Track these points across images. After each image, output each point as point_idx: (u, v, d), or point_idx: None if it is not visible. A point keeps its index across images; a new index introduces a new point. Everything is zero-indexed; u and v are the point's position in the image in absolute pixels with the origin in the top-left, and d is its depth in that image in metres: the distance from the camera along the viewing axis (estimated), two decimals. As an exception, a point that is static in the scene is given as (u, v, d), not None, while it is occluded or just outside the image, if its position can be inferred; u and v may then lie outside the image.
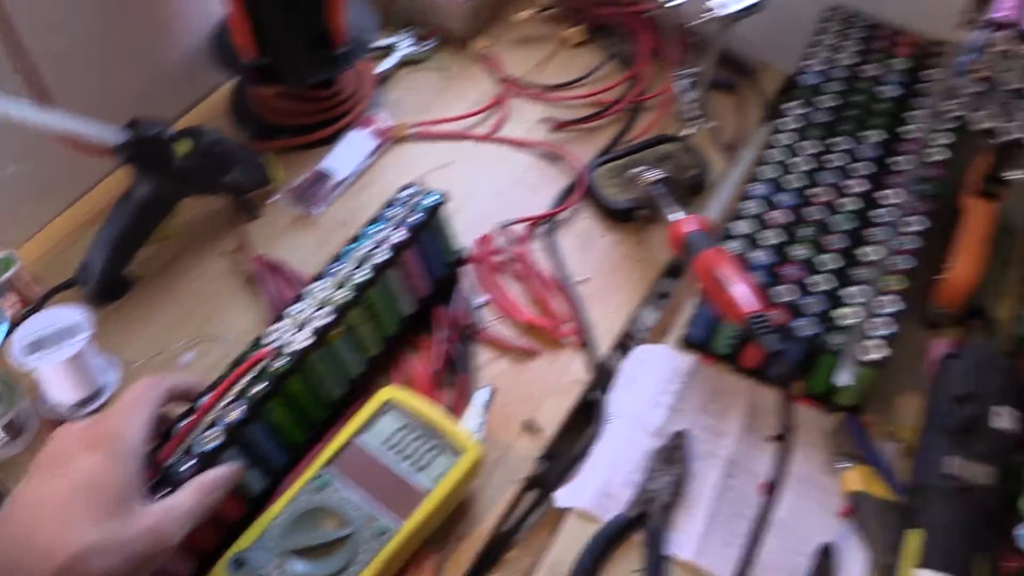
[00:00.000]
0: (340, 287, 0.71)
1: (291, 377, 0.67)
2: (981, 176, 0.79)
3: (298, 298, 0.71)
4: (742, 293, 0.62)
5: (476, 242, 0.86)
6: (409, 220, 0.75)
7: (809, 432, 0.74)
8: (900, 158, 0.80)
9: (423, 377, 0.76)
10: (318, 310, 0.70)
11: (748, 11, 0.71)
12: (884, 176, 0.79)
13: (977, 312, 0.79)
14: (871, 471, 0.70)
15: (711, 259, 0.66)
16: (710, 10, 0.70)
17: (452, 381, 0.77)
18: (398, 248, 0.73)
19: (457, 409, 0.75)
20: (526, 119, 0.97)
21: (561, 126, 0.95)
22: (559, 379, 0.78)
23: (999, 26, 0.65)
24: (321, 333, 0.68)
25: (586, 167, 0.90)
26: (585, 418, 0.76)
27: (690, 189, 0.89)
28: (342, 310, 0.69)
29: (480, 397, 0.75)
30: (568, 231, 0.88)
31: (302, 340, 0.68)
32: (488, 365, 0.79)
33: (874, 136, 0.82)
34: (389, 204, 0.77)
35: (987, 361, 0.69)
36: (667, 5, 0.75)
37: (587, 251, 0.86)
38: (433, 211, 0.76)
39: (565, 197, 0.90)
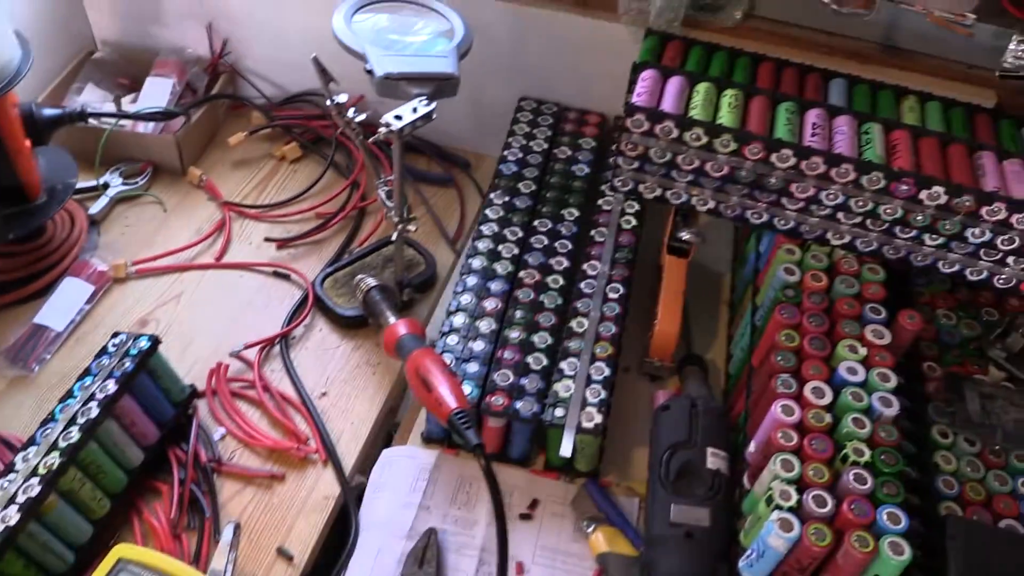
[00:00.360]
0: (49, 452, 0.67)
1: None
2: (668, 236, 0.87)
3: (9, 468, 0.67)
4: (443, 393, 0.65)
5: (209, 374, 0.84)
6: (118, 370, 0.72)
7: (555, 503, 0.77)
8: (595, 231, 0.87)
9: (162, 526, 0.73)
10: (26, 481, 0.65)
11: (423, 120, 0.75)
12: (586, 249, 0.86)
13: (692, 359, 0.87)
14: (615, 531, 0.74)
15: (417, 361, 0.68)
16: (387, 126, 0.74)
17: (197, 523, 0.75)
18: (106, 403, 0.70)
19: (204, 552, 0.72)
20: (252, 241, 0.97)
21: (284, 243, 0.96)
22: (308, 499, 0.77)
23: (638, 109, 0.72)
24: (27, 509, 0.64)
25: (312, 281, 0.91)
26: (342, 533, 0.76)
27: (419, 287, 0.91)
28: (51, 479, 0.65)
29: (225, 536, 0.73)
30: (304, 347, 0.88)
31: (10, 518, 0.63)
32: (235, 498, 0.77)
33: (573, 213, 0.88)
34: (99, 354, 0.75)
35: (696, 408, 0.75)
36: (355, 121, 0.78)
37: (324, 363, 0.87)
38: (144, 356, 0.74)
39: (295, 314, 0.90)
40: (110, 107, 0.93)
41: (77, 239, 0.94)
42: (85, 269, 0.91)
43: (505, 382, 0.75)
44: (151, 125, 1.01)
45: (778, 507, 0.61)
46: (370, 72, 0.78)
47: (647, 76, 0.77)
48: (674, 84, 0.77)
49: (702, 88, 0.77)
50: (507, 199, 0.89)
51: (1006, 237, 0.71)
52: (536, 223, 0.87)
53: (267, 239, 0.97)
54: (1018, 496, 0.71)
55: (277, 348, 0.87)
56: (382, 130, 0.74)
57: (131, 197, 1.00)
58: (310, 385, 0.85)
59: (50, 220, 0.94)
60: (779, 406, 0.66)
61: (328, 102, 0.79)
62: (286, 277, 0.94)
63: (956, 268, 0.75)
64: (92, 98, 1.04)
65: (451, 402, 0.64)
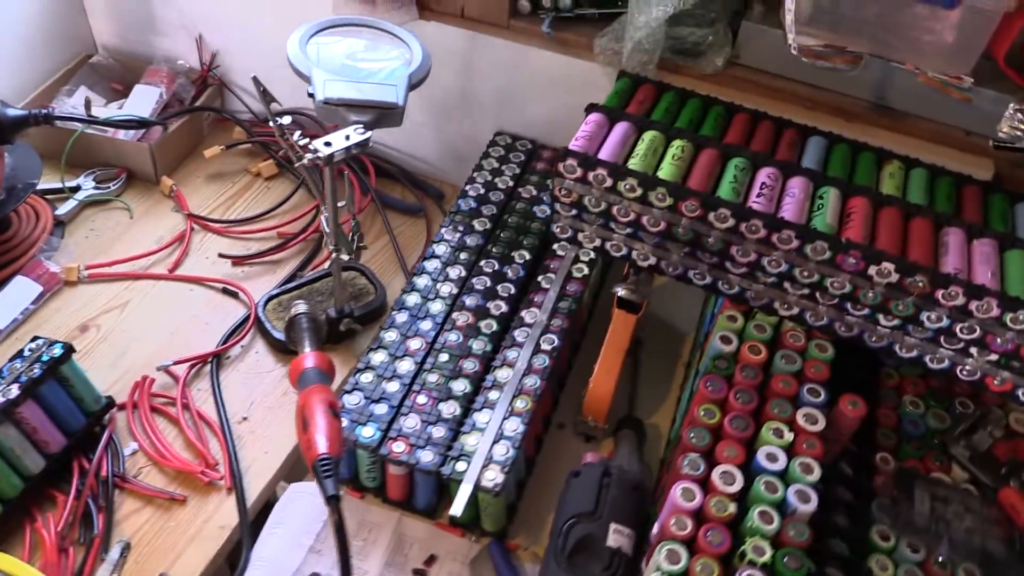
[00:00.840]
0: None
1: None
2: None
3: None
4: (315, 435, 0.61)
5: (133, 386, 0.82)
6: (25, 376, 0.71)
7: (455, 561, 0.73)
8: (543, 277, 0.83)
9: (50, 538, 0.71)
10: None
11: (357, 148, 0.73)
12: (530, 295, 0.81)
13: (629, 422, 0.81)
14: (508, 599, 0.69)
15: (306, 397, 0.65)
16: (313, 152, 0.72)
17: (88, 538, 0.73)
18: (4, 407, 0.69)
19: (87, 569, 0.70)
20: (209, 255, 0.96)
21: (240, 261, 0.95)
22: (205, 527, 0.74)
23: (571, 154, 0.68)
24: None
25: (257, 302, 0.89)
26: (234, 565, 0.73)
27: (363, 318, 0.88)
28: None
29: (112, 555, 0.71)
30: (237, 368, 0.86)
31: None
32: (132, 517, 0.75)
33: (524, 256, 0.84)
34: (14, 357, 0.74)
35: (609, 477, 0.69)
36: (298, 144, 0.75)
37: (253, 387, 0.84)
38: (55, 364, 0.72)
39: (234, 333, 0.88)
40: (83, 112, 0.94)
41: (37, 239, 0.94)
42: (37, 269, 0.91)
43: (411, 428, 0.71)
44: (131, 132, 1.02)
45: (653, 603, 0.55)
46: (312, 96, 0.76)
47: (592, 120, 0.73)
48: (619, 130, 0.72)
49: (648, 136, 0.72)
50: (459, 236, 0.86)
51: (965, 325, 0.64)
52: (483, 263, 0.83)
53: (221, 255, 0.95)
54: (959, 618, 0.63)
55: (208, 366, 0.85)
56: (308, 156, 0.72)
57: (101, 201, 1.00)
58: (233, 408, 0.82)
59: (15, 217, 0.94)
60: (679, 489, 0.60)
61: (271, 123, 0.77)
62: (235, 295, 0.92)
63: (915, 353, 0.68)
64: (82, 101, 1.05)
65: (320, 446, 0.60)
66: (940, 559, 0.65)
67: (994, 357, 0.65)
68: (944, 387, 0.76)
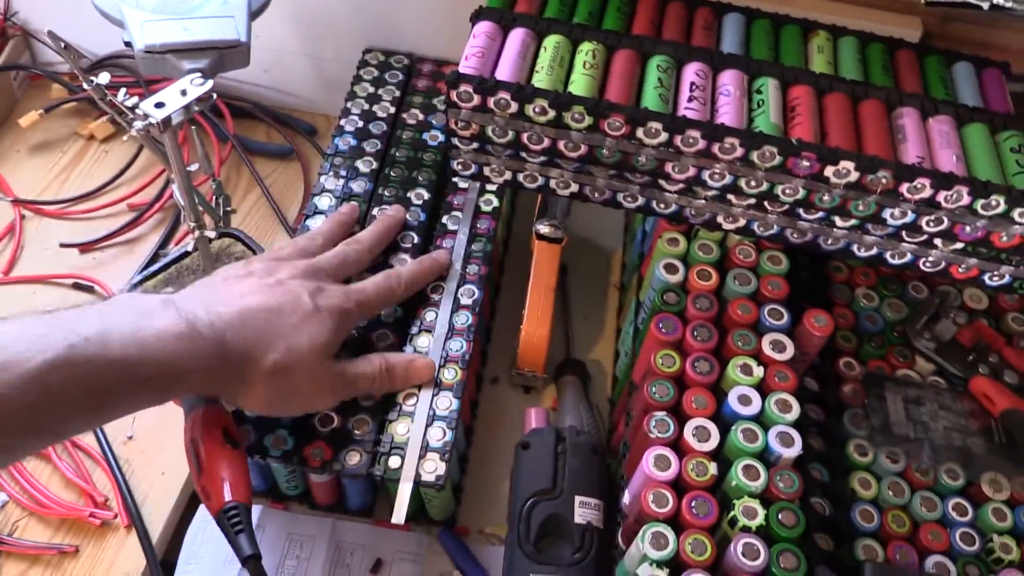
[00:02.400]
0: None
1: None
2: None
3: None
4: (214, 480, 0.51)
5: (-13, 424, 0.69)
6: None
7: (406, 560, 0.64)
8: (448, 218, 0.72)
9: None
10: None
11: (199, 103, 0.59)
12: (437, 241, 0.71)
13: (570, 365, 0.73)
14: (471, 591, 0.62)
15: (194, 427, 0.54)
16: (144, 117, 0.58)
17: (-33, 620, 0.61)
18: None
19: (-26, 658, 0.59)
20: (50, 246, 0.80)
21: (88, 247, 0.80)
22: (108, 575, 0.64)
23: (464, 79, 0.56)
24: None
25: (120, 291, 0.75)
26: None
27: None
28: None
29: (1, 635, 0.59)
30: (109, 378, 0.73)
31: None
32: (17, 582, 0.63)
33: (423, 196, 0.73)
34: None
35: (563, 443, 0.61)
36: (126, 105, 0.61)
37: (132, 399, 0.72)
38: None
39: (96, 338, 0.74)
40: None
41: None
42: None
43: (327, 427, 0.60)
44: (-82, 107, 0.83)
45: (645, 599, 0.48)
46: (129, 44, 0.61)
47: (482, 30, 0.61)
48: (515, 39, 0.60)
49: (550, 43, 0.60)
50: (343, 183, 0.73)
51: (932, 217, 0.57)
52: (376, 212, 0.71)
53: (63, 245, 0.80)
54: (948, 523, 0.59)
55: (74, 383, 0.72)
56: (137, 123, 0.57)
57: (-99, 200, 0.83)
58: (113, 429, 0.70)
59: None
60: (651, 457, 0.53)
61: (86, 85, 0.62)
62: (89, 290, 0.78)
63: (874, 252, 0.62)
64: None
65: (222, 494, 0.50)
66: (922, 465, 0.60)
67: (960, 246, 0.59)
68: (895, 273, 0.70)
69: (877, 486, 0.60)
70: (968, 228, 0.57)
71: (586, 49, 0.60)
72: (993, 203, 0.55)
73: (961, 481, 0.60)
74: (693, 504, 0.51)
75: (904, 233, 0.59)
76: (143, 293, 0.69)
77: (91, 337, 0.46)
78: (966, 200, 0.55)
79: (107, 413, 0.49)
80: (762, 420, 0.55)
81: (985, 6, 0.67)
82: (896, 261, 0.62)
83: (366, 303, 0.61)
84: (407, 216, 0.70)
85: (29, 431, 0.46)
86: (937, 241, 0.59)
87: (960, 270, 0.61)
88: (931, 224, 0.58)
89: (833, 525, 0.58)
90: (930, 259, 0.61)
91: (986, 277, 0.62)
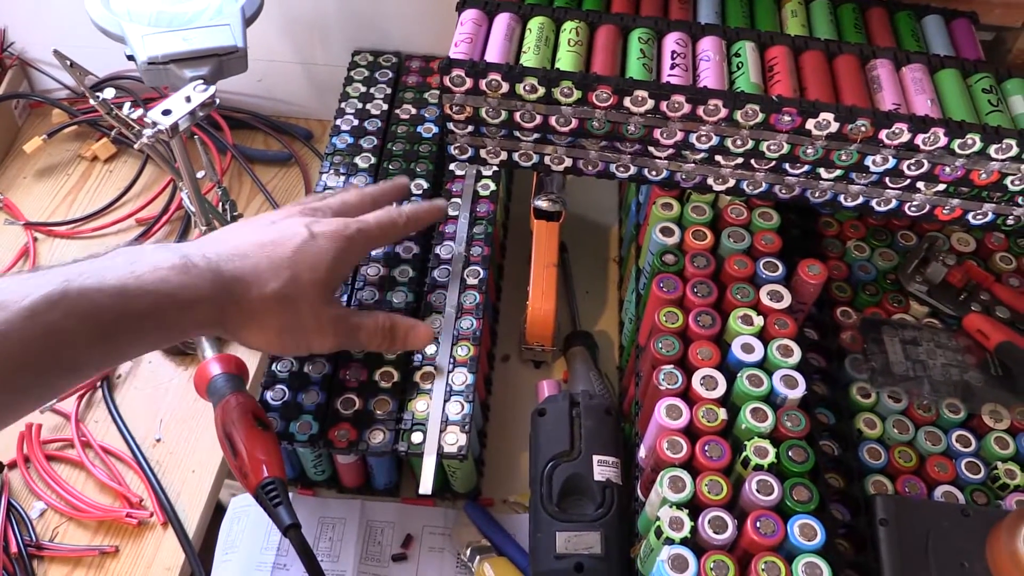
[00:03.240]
0: None
1: None
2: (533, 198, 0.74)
3: None
4: (247, 458, 0.53)
5: (20, 438, 0.71)
6: None
7: (435, 535, 0.67)
8: (448, 204, 0.74)
9: (-29, 638, 0.62)
10: None
11: (202, 109, 0.61)
12: (440, 227, 0.73)
13: (578, 337, 0.75)
14: (502, 561, 0.64)
15: (224, 414, 0.56)
16: (152, 125, 0.60)
17: (17, 624, 0.63)
18: None
19: (27, 659, 0.61)
20: (64, 264, 0.83)
21: (101, 262, 0.82)
22: (148, 573, 0.66)
23: (456, 64, 0.59)
24: None
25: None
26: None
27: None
28: None
29: (51, 635, 0.61)
30: (132, 385, 0.75)
31: None
32: (61, 585, 0.65)
33: (422, 186, 0.75)
34: None
35: (577, 407, 0.64)
36: (131, 119, 0.63)
37: (157, 403, 0.74)
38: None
39: (117, 348, 0.76)
40: None
41: None
42: None
43: (349, 409, 0.63)
44: (-74, 142, 0.85)
45: (669, 540, 0.50)
46: (132, 59, 0.63)
47: (468, 17, 0.63)
48: (501, 24, 0.63)
49: (535, 24, 0.63)
50: (343, 179, 0.76)
51: (912, 161, 0.60)
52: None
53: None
54: (953, 454, 0.61)
55: (100, 392, 0.74)
56: (147, 131, 0.60)
57: (-84, 231, 0.85)
58: (142, 432, 0.72)
59: None
60: (663, 408, 0.55)
61: (92, 101, 0.64)
62: (106, 303, 0.80)
63: (860, 200, 0.64)
64: None
65: (259, 471, 0.52)
66: (924, 402, 0.63)
67: (942, 187, 0.62)
68: (883, 224, 0.73)
69: (882, 425, 0.63)
70: (948, 169, 0.60)
71: (569, 27, 0.63)
72: (969, 142, 0.58)
73: (962, 414, 0.63)
74: (706, 448, 0.54)
75: (888, 180, 0.62)
76: None
77: (86, 273, 0.47)
78: (943, 141, 0.58)
79: (117, 348, 0.49)
80: (765, 366, 0.58)
81: (947, -41, 0.70)
82: (882, 208, 0.64)
83: (367, 231, 0.60)
84: (411, 186, 0.72)
85: (39, 368, 0.45)
86: (920, 185, 0.62)
87: (944, 211, 0.64)
88: (912, 168, 0.60)
89: (843, 464, 0.60)
90: (915, 203, 0.63)
91: (970, 216, 0.64)
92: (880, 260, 0.70)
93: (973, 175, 0.60)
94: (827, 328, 0.67)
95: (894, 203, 0.64)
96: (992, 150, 0.58)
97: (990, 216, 0.64)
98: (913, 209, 0.64)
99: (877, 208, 0.64)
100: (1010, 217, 0.64)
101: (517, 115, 0.61)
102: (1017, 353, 0.64)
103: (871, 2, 0.71)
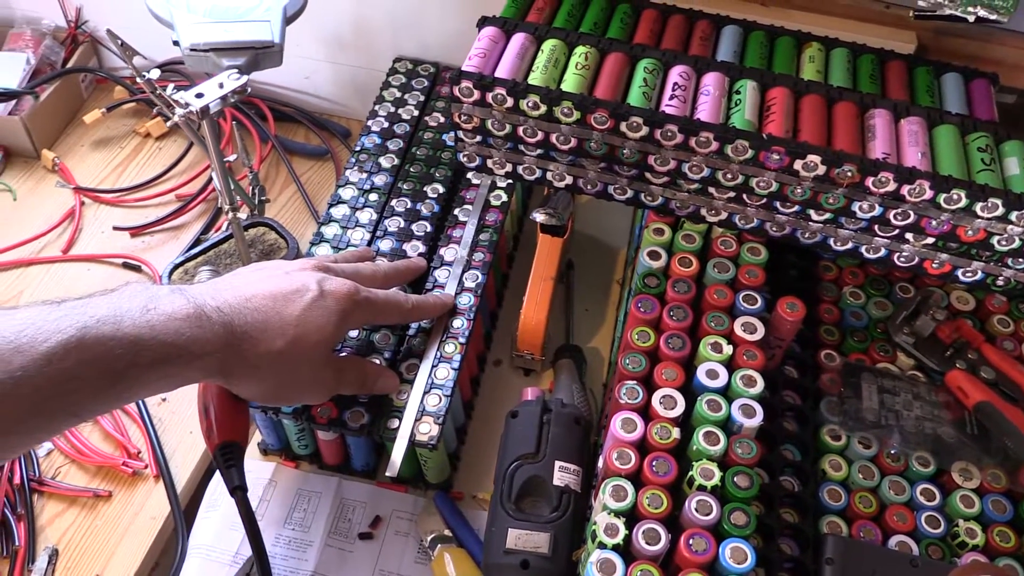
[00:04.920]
0: None
1: None
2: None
3: None
4: (214, 421, 0.57)
5: (39, 382, 0.77)
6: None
7: (402, 520, 0.70)
8: (460, 210, 0.77)
9: (-33, 557, 0.67)
10: None
11: (234, 95, 0.66)
12: (448, 231, 0.76)
13: (567, 350, 0.78)
14: (461, 553, 0.66)
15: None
16: (184, 105, 0.65)
17: (11, 550, 0.68)
18: None
19: (15, 582, 0.66)
20: (105, 229, 0.89)
21: (138, 231, 0.88)
22: (135, 520, 0.70)
23: (465, 76, 0.62)
24: None
25: (161, 273, 0.83)
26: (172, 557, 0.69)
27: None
28: None
29: (39, 563, 0.66)
30: (149, 347, 0.80)
31: None
32: (55, 521, 0.70)
33: (438, 190, 0.79)
34: None
35: (548, 413, 0.66)
36: (172, 98, 0.68)
37: (168, 366, 0.79)
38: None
39: (139, 310, 0.82)
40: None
41: (-88, 235, 0.86)
42: (-85, 268, 0.83)
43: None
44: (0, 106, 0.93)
45: (601, 544, 0.52)
46: (177, 44, 0.69)
47: (486, 34, 0.67)
48: (516, 43, 0.66)
49: (547, 46, 0.66)
50: (366, 176, 0.80)
51: (898, 211, 0.61)
52: (395, 203, 0.78)
53: (116, 228, 0.88)
54: (915, 506, 0.62)
55: (118, 350, 0.79)
56: (179, 111, 0.65)
57: (-21, 185, 0.93)
58: (149, 391, 0.77)
59: None
60: (619, 420, 0.57)
61: (138, 79, 0.70)
62: (137, 269, 0.86)
63: (849, 246, 0.65)
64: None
65: (220, 433, 0.56)
66: (892, 451, 0.63)
67: (930, 240, 0.62)
68: (883, 274, 0.73)
69: (848, 468, 0.63)
70: (934, 222, 0.61)
71: (580, 52, 0.66)
72: (955, 197, 0.59)
73: (931, 468, 0.63)
74: (654, 463, 0.55)
75: (876, 227, 0.63)
76: (154, 284, 0.74)
77: (103, 319, 0.47)
78: (928, 194, 0.59)
79: (120, 395, 0.49)
80: (728, 393, 0.59)
81: (971, 19, 0.71)
82: (872, 256, 0.65)
83: (374, 302, 0.61)
84: (422, 260, 0.74)
85: (47, 412, 0.46)
86: (908, 236, 0.63)
87: (934, 265, 0.65)
88: (899, 217, 0.61)
89: (801, 501, 0.61)
90: (904, 254, 0.64)
91: (959, 273, 0.65)
92: (874, 309, 0.71)
93: (959, 231, 0.61)
94: (808, 368, 0.68)
95: (883, 251, 0.65)
96: (978, 207, 0.59)
97: (980, 275, 0.64)
98: (903, 260, 0.65)
99: (867, 255, 0.65)
100: (1000, 278, 0.64)
101: (520, 130, 0.64)
102: (995, 415, 0.64)
103: (892, 55, 0.72)
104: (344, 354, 0.67)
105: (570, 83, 0.63)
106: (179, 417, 0.76)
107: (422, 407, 0.65)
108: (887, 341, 0.70)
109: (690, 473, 0.55)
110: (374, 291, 0.62)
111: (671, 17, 0.74)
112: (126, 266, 0.86)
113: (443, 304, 0.69)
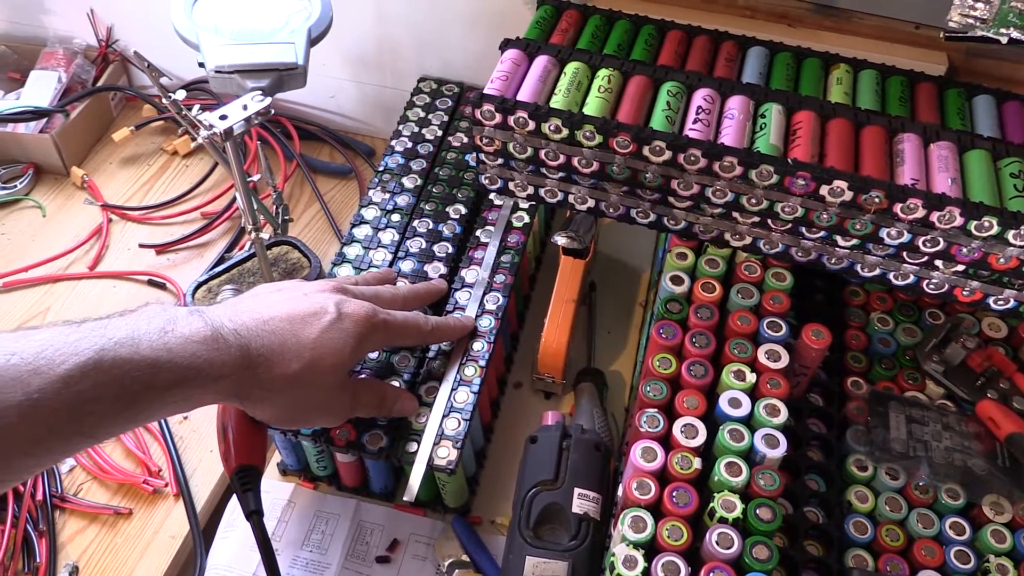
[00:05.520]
0: None
1: None
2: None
3: None
4: (233, 444, 0.57)
5: (64, 399, 0.77)
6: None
7: (420, 543, 0.69)
8: (482, 231, 0.77)
9: (-10, 574, 0.67)
10: None
11: (258, 116, 0.66)
12: (470, 252, 0.76)
13: (588, 373, 0.77)
14: (478, 577, 0.66)
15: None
16: (208, 127, 0.65)
17: (32, 566, 0.68)
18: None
19: (36, 601, 0.66)
20: (131, 246, 0.90)
21: (163, 248, 0.89)
22: (155, 538, 0.71)
23: (487, 99, 0.62)
24: None
25: (185, 291, 0.83)
26: (190, 576, 0.69)
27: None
28: None
29: (60, 583, 0.67)
30: (172, 365, 0.81)
31: None
32: (76, 538, 0.71)
33: (460, 211, 0.78)
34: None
35: (568, 439, 0.65)
36: (197, 119, 0.69)
37: (190, 384, 0.79)
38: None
39: (163, 328, 0.82)
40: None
41: (-57, 251, 0.88)
42: (-54, 285, 0.85)
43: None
44: (31, 124, 0.94)
45: (619, 576, 0.52)
46: (202, 65, 0.69)
47: (509, 57, 0.67)
48: (538, 65, 0.66)
49: (570, 69, 0.66)
50: (388, 196, 0.80)
51: (928, 238, 0.60)
52: (416, 223, 0.78)
53: (142, 245, 0.89)
54: (944, 540, 0.60)
55: (141, 367, 0.80)
56: (203, 132, 0.65)
57: (10, 202, 0.94)
58: (171, 409, 0.77)
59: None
60: (638, 449, 0.56)
61: (165, 100, 0.70)
62: (162, 286, 0.86)
63: (877, 272, 0.64)
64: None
65: (237, 456, 0.56)
66: (921, 483, 0.62)
67: (961, 268, 0.61)
68: (912, 300, 0.72)
69: (874, 500, 0.62)
70: (965, 249, 0.59)
71: (603, 75, 0.65)
72: (986, 224, 0.57)
73: (961, 501, 0.61)
74: (674, 494, 0.54)
75: (905, 254, 0.62)
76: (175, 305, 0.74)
77: (121, 341, 0.47)
78: (959, 221, 0.57)
79: (137, 417, 0.49)
80: (751, 423, 0.58)
81: (1004, 40, 0.69)
82: (900, 283, 0.64)
83: (392, 325, 0.61)
84: (445, 282, 0.73)
85: (64, 434, 0.46)
86: (938, 262, 0.61)
87: (964, 293, 0.63)
88: (928, 244, 0.60)
89: (826, 533, 0.60)
90: (933, 281, 0.63)
91: (991, 301, 0.63)
92: (903, 335, 0.70)
93: (991, 259, 0.59)
94: (834, 396, 0.67)
95: (912, 279, 0.63)
96: (1010, 235, 0.57)
97: (1012, 303, 0.63)
98: (932, 287, 0.63)
99: (895, 282, 0.64)
100: (1033, 306, 0.63)
101: (542, 153, 0.64)
102: (1028, 446, 0.62)
103: (922, 77, 0.71)
104: (363, 376, 0.67)
105: (592, 106, 0.63)
106: (200, 435, 0.76)
107: (441, 431, 0.65)
108: (916, 369, 0.68)
109: (711, 504, 0.54)
110: (393, 313, 0.62)
111: (696, 38, 0.73)
112: (151, 283, 0.87)
113: (463, 327, 0.69)
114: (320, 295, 0.59)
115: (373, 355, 0.69)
